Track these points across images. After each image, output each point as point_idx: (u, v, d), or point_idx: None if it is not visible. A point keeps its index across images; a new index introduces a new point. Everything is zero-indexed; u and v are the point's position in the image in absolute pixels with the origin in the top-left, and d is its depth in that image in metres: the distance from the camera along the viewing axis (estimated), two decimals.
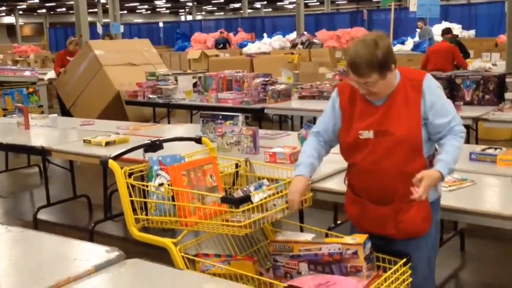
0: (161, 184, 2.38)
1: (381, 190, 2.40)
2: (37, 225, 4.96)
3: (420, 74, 2.46)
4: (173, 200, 2.35)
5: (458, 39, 10.25)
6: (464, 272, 4.09)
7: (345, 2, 37.43)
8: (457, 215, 2.73)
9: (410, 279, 2.25)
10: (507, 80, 5.52)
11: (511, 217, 2.52)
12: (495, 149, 3.49)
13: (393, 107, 2.38)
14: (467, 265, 4.16)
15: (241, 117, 4.16)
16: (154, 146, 2.59)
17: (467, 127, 6.62)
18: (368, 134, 2.39)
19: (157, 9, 43.84)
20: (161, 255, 2.22)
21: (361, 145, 2.42)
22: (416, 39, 16.20)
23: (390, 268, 2.22)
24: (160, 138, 2.66)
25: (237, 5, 37.20)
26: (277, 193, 2.38)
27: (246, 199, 2.23)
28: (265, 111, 6.29)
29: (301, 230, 2.79)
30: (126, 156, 2.53)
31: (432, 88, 2.39)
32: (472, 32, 18.31)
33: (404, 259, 2.25)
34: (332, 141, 2.59)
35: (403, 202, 2.37)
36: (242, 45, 19.79)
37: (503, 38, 13.60)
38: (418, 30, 15.14)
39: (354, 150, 2.45)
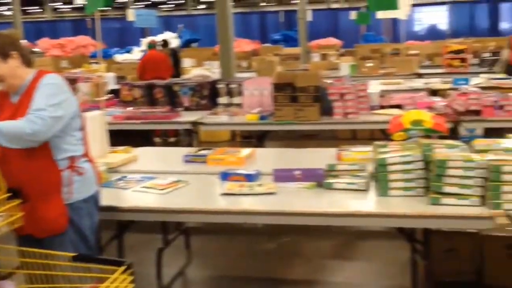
0: None
1: (12, 184, 2.39)
2: None
3: (44, 74, 2.59)
4: None
5: (173, 48, 10.86)
6: (191, 268, 4.28)
7: (69, 9, 36.16)
8: (180, 215, 2.90)
9: (133, 285, 2.24)
10: (219, 86, 6.01)
11: (217, 212, 2.80)
12: (207, 150, 3.77)
13: (22, 104, 2.53)
14: (194, 261, 4.37)
15: None
16: None
17: (189, 131, 7.02)
18: None
19: None
20: None
21: None
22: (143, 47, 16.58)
23: (108, 278, 2.18)
24: None
25: None
26: None
27: None
28: None
29: None
30: None
31: (42, 84, 2.53)
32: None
33: (125, 266, 2.22)
34: None
35: (37, 200, 2.48)
36: None
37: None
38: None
39: None
